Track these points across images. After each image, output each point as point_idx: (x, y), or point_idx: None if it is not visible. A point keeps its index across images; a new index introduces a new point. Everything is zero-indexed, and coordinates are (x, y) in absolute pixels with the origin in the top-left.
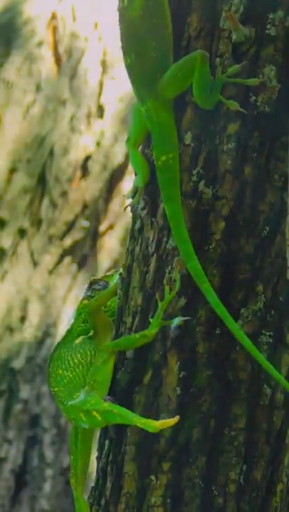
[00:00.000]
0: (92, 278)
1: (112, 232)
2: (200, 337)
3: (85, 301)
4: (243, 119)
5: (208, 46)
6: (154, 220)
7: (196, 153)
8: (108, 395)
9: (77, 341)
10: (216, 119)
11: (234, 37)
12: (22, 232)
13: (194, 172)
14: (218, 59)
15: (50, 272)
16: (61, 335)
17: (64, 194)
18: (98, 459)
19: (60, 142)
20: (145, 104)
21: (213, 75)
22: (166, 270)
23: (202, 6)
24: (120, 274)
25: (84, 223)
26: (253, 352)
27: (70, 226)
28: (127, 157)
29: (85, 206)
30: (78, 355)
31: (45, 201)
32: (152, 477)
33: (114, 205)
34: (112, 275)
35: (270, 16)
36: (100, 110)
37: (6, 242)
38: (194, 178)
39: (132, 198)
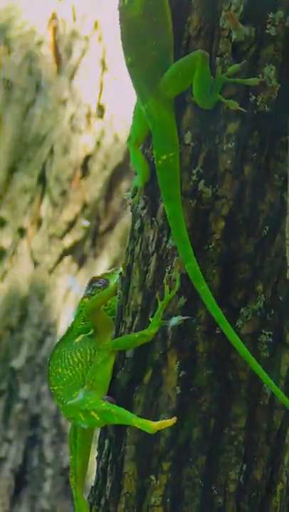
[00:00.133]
0: (92, 276)
1: (112, 232)
2: (200, 336)
3: (86, 300)
4: (243, 118)
5: (208, 45)
6: (154, 219)
7: (195, 153)
8: (108, 394)
9: (77, 340)
10: (216, 119)
11: (234, 36)
12: (22, 232)
13: (194, 171)
14: (217, 58)
15: (50, 272)
16: (61, 334)
17: (64, 193)
18: (98, 458)
19: (60, 142)
20: (146, 103)
21: (213, 75)
22: (166, 270)
23: (202, 6)
24: (120, 273)
25: (84, 223)
26: (247, 357)
27: (70, 225)
28: (127, 157)
29: (85, 206)
30: (78, 354)
31: (46, 201)
32: (152, 477)
33: (114, 205)
34: (113, 273)
35: (270, 16)
36: (100, 110)
37: (6, 242)
38: (194, 178)
39: (132, 197)
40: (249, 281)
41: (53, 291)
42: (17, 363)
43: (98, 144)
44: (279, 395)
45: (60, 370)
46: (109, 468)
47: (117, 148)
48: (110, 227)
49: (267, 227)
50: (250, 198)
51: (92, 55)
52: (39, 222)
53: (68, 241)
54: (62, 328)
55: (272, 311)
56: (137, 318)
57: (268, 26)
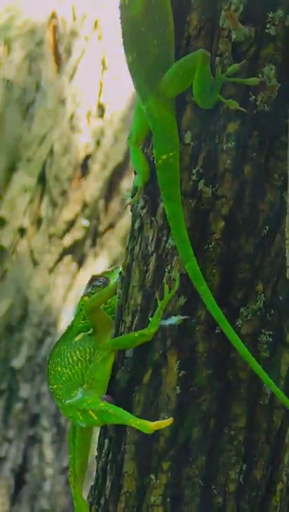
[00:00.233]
0: (92, 274)
1: (111, 232)
2: (200, 336)
3: (86, 298)
4: (243, 118)
5: (207, 45)
6: (153, 219)
7: (195, 153)
8: (107, 394)
9: (77, 338)
10: (216, 119)
11: (234, 36)
12: (22, 231)
13: (194, 171)
14: (217, 58)
15: (50, 271)
16: (61, 334)
17: (64, 193)
18: (98, 458)
19: (60, 141)
20: (146, 102)
21: (213, 74)
22: (166, 269)
23: (202, 5)
24: (120, 272)
25: (84, 222)
26: (247, 357)
27: (70, 225)
28: (127, 156)
29: (85, 205)
30: (78, 353)
31: (45, 200)
32: (152, 476)
33: (114, 205)
34: (113, 271)
35: (270, 15)
36: (100, 109)
37: (6, 241)
38: (194, 177)
39: (132, 197)
40: (249, 280)
41: (53, 290)
42: (17, 362)
43: (98, 143)
44: (279, 395)
45: (59, 368)
46: (109, 468)
47: (117, 148)
48: (110, 227)
49: (267, 227)
50: (250, 198)
51: (92, 55)
52: (39, 222)
53: (68, 241)
54: (62, 328)
55: (272, 311)
56: (136, 317)
57: (268, 26)
